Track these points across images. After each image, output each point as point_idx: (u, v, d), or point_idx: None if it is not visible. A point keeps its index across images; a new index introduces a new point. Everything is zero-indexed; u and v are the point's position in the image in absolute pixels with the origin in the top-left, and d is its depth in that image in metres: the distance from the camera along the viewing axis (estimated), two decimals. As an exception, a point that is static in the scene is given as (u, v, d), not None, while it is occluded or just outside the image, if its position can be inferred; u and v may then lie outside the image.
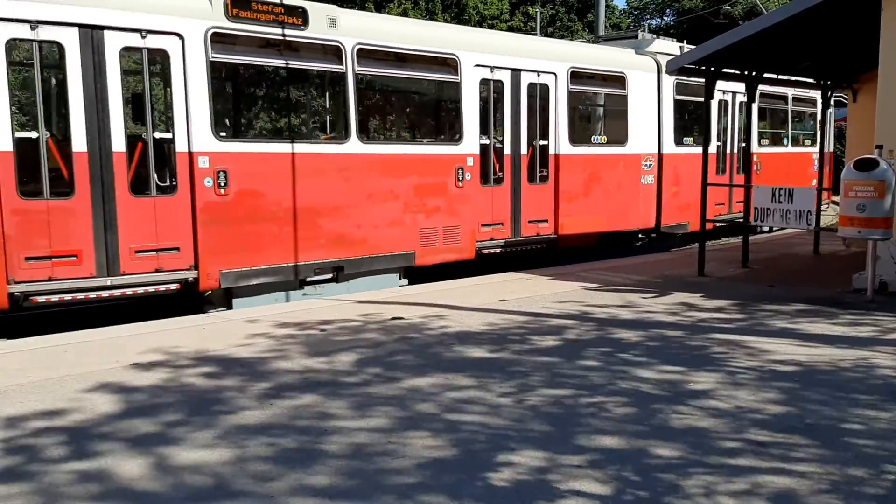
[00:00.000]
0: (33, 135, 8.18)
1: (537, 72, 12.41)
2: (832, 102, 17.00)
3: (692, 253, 12.07)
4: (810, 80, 14.43)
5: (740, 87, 15.68)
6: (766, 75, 12.38)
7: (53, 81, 8.78)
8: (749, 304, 8.93)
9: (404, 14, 39.45)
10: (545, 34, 45.67)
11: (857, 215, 8.74)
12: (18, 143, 7.98)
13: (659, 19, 52.73)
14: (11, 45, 7.91)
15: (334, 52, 10.05)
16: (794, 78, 14.16)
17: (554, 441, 4.69)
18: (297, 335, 7.50)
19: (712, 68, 11.23)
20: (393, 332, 7.64)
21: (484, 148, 11.83)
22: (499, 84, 12.05)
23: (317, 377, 6.06)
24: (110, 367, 6.35)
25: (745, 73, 11.93)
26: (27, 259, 8.03)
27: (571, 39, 49.53)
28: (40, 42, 7.99)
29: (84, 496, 3.99)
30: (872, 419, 5.08)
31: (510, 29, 44.45)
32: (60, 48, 8.12)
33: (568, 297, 9.44)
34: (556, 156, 12.81)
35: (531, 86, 12.39)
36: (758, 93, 12.66)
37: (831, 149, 20.34)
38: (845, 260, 12.19)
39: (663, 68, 13.30)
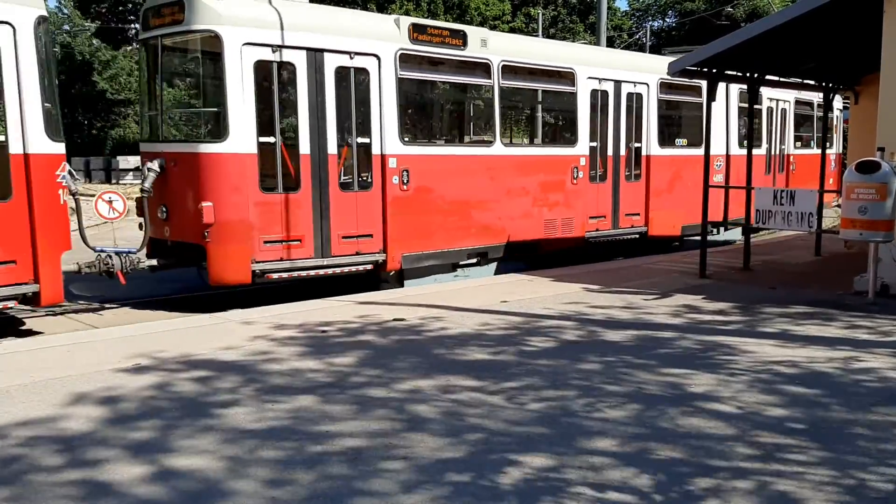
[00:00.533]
0: (271, 140, 9.72)
1: (634, 82, 14.26)
2: (840, 105, 17.27)
3: (693, 255, 12.04)
4: (812, 83, 14.40)
5: (785, 94, 16.44)
6: (767, 77, 12.37)
7: (286, 95, 10.16)
8: (750, 306, 8.91)
9: (406, 14, 39.51)
10: (547, 35, 45.69)
11: (859, 217, 8.70)
12: (261, 146, 9.58)
13: (661, 21, 52.72)
14: (257, 65, 9.53)
15: (484, 69, 11.81)
16: (796, 80, 14.14)
17: (555, 443, 4.67)
18: (297, 337, 7.49)
19: (714, 70, 11.20)
20: (393, 333, 7.63)
21: (592, 150, 13.61)
22: (605, 94, 13.83)
23: (316, 379, 6.04)
24: (105, 369, 6.33)
25: (748, 74, 11.91)
26: (265, 242, 9.70)
27: (573, 41, 49.59)
28: (278, 62, 9.69)
29: (76, 497, 3.98)
30: (874, 423, 5.05)
31: (511, 30, 44.47)
32: (293, 68, 9.80)
33: (570, 299, 9.42)
34: (648, 157, 14.66)
35: (629, 95, 14.23)
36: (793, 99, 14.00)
37: (839, 150, 20.44)
38: (847, 262, 12.15)
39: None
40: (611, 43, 47.45)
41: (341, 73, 10.19)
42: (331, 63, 10.04)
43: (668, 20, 51.20)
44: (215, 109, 10.06)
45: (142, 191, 9.82)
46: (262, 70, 9.63)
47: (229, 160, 9.47)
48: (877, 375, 6.11)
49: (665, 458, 4.45)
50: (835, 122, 18.24)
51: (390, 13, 39.55)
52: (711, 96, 11.36)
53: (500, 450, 4.58)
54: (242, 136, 9.47)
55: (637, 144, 14.41)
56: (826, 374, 6.13)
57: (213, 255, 9.46)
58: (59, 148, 8.37)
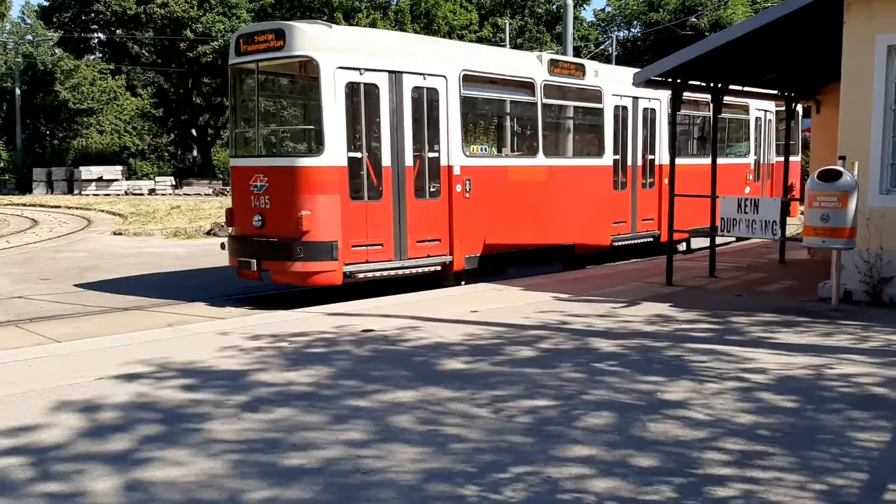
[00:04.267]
0: (359, 154, 10.65)
1: (649, 98, 15.35)
2: (800, 113, 17.92)
3: (660, 262, 12.21)
4: (774, 92, 14.70)
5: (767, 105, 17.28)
6: (730, 87, 12.60)
7: (370, 113, 10.88)
8: (717, 313, 9.05)
9: (373, 25, 39.53)
10: (514, 45, 45.97)
11: (821, 225, 8.89)
12: (350, 160, 10.47)
13: (626, 31, 53.33)
14: (347, 86, 10.48)
15: (530, 87, 13.03)
16: (758, 90, 14.42)
17: (534, 452, 4.72)
18: (269, 348, 7.47)
19: (678, 80, 11.40)
20: (367, 343, 7.64)
21: (615, 161, 14.73)
22: (625, 109, 14.97)
23: (291, 390, 6.04)
24: (77, 381, 6.26)
25: (711, 84, 12.13)
26: (353, 247, 10.55)
27: (541, 51, 49.94)
28: (364, 84, 10.60)
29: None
30: (842, 427, 5.18)
31: (479, 39, 44.69)
32: (377, 88, 10.71)
33: (539, 308, 9.50)
34: (660, 166, 15.69)
35: (644, 110, 15.48)
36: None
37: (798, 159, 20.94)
38: (810, 268, 12.40)
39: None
40: (577, 53, 47.90)
41: (416, 92, 11.16)
42: (408, 83, 11.01)
43: (633, 30, 51.82)
44: (312, 127, 11.12)
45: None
46: (351, 91, 10.57)
47: (325, 173, 10.37)
48: (844, 381, 6.25)
49: (641, 466, 4.51)
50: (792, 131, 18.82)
51: (356, 23, 39.57)
52: (676, 106, 11.56)
53: (480, 460, 4.62)
54: (335, 151, 10.38)
55: (651, 156, 15.59)
56: (794, 380, 6.26)
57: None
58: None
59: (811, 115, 16.61)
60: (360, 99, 10.67)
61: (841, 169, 8.87)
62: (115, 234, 21.79)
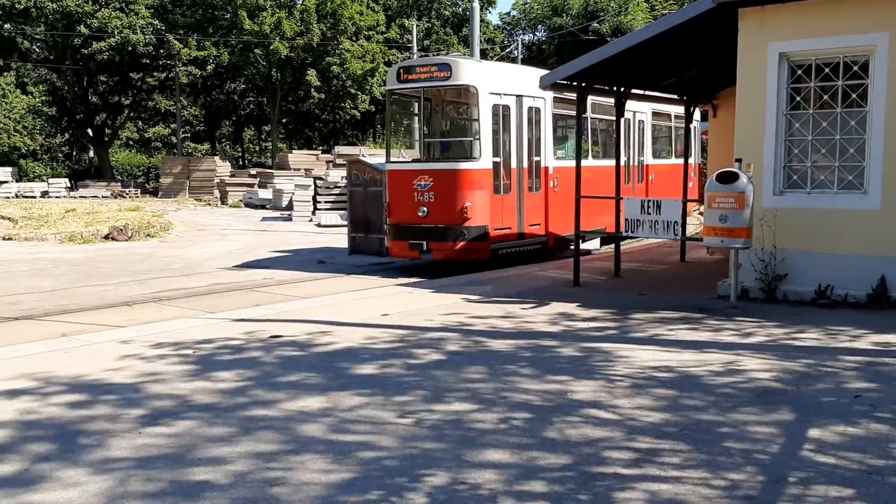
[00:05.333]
0: (498, 159, 13.86)
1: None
2: (698, 116, 18.49)
3: (567, 263, 12.41)
4: (674, 96, 15.16)
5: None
6: (633, 91, 12.93)
7: (501, 126, 14.03)
8: (622, 312, 9.25)
9: (278, 24, 38.86)
10: (422, 48, 46.05)
11: (720, 225, 9.19)
12: (494, 164, 13.75)
13: (532, 35, 54.16)
14: (494, 107, 13.74)
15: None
16: (658, 94, 14.84)
17: (447, 458, 4.69)
18: (172, 356, 7.20)
19: (583, 84, 11.60)
20: (275, 350, 7.46)
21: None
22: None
23: (194, 400, 5.82)
24: (-35, 399, 5.88)
25: (615, 88, 12.40)
26: (495, 229, 13.67)
27: (447, 53, 50.20)
28: (502, 105, 13.94)
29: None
30: (742, 422, 5.34)
31: (387, 41, 44.56)
32: (509, 108, 14.09)
33: (450, 310, 9.50)
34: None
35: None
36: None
37: (698, 160, 21.65)
38: (710, 267, 12.83)
39: None
40: (484, 55, 48.36)
41: (529, 111, 14.56)
42: (526, 104, 14.44)
43: (538, 34, 52.67)
44: (470, 139, 14.18)
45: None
46: (495, 110, 13.78)
47: (480, 174, 13.63)
48: (743, 377, 6.46)
49: (553, 466, 4.54)
50: (693, 133, 19.22)
51: (262, 21, 38.81)
52: (582, 109, 11.77)
53: (391, 468, 4.55)
54: (486, 156, 13.67)
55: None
56: (696, 377, 6.44)
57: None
58: None
59: (708, 118, 17.19)
60: (500, 116, 13.89)
61: (738, 171, 9.19)
62: (4, 238, 20.70)
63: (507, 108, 13.95)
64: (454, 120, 16.41)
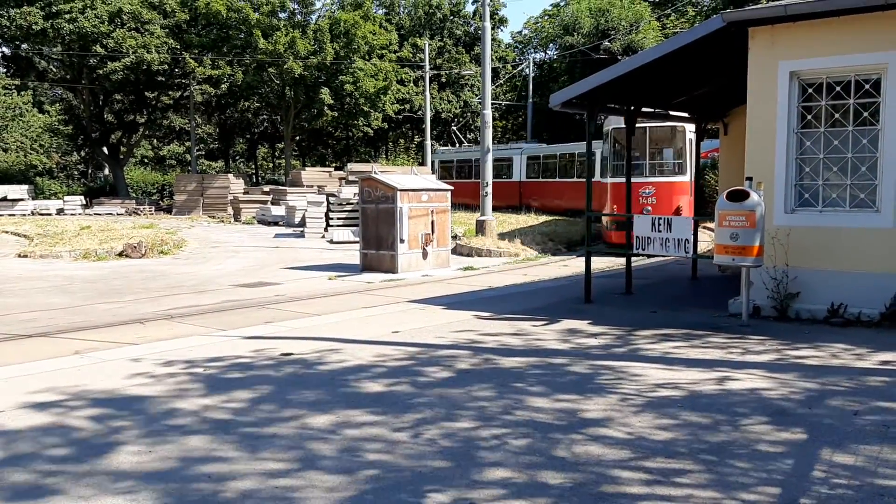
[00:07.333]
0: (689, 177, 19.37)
1: None
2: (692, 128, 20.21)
3: (579, 280, 12.39)
4: (685, 115, 15.16)
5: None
6: (643, 109, 12.96)
7: (693, 152, 18.77)
8: (632, 329, 9.22)
9: (292, 43, 39.18)
10: (434, 66, 46.31)
11: (731, 244, 9.18)
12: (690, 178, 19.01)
13: (543, 53, 54.33)
14: (689, 142, 19.71)
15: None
16: (670, 112, 14.86)
17: (454, 476, 4.68)
18: (182, 374, 7.23)
19: (594, 102, 11.64)
20: (286, 367, 7.48)
21: None
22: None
23: (203, 417, 5.84)
24: (-22, 415, 5.93)
25: (625, 107, 12.43)
26: None
27: (459, 71, 50.40)
28: (690, 139, 19.61)
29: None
30: (753, 441, 5.30)
31: (399, 60, 44.83)
32: (692, 142, 19.19)
33: (461, 327, 9.49)
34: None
35: None
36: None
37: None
38: (721, 284, 12.78)
39: None
40: (496, 74, 48.54)
41: (691, 138, 19.50)
42: (688, 135, 19.75)
43: (549, 53, 52.84)
44: (679, 161, 19.99)
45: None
46: (688, 143, 19.76)
47: (687, 185, 19.40)
48: (755, 396, 6.42)
49: (562, 485, 4.52)
50: (688, 151, 20.20)
51: (275, 41, 39.14)
52: (591, 128, 11.80)
53: (398, 487, 4.55)
54: (688, 174, 19.43)
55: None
56: (708, 396, 6.41)
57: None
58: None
59: (719, 136, 17.19)
60: (693, 147, 18.40)
61: (749, 189, 9.18)
62: (19, 256, 20.86)
63: (692, 141, 19.36)
64: (665, 148, 20.97)
